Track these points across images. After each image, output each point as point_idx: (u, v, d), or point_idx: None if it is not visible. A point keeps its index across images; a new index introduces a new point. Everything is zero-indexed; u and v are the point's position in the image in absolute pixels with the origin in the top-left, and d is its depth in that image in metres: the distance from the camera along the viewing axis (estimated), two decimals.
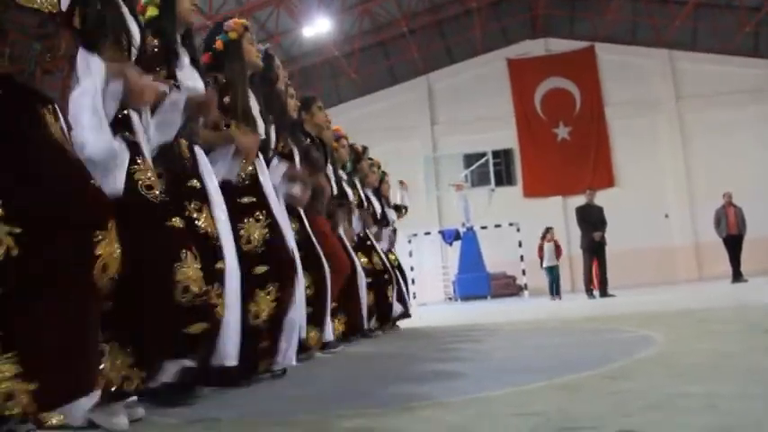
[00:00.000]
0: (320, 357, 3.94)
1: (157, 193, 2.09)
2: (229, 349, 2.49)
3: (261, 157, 3.23)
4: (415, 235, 17.13)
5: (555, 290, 12.60)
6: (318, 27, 16.65)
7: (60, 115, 1.66)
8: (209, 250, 2.36)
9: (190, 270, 2.03)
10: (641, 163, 19.69)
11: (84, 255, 1.50)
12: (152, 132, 2.31)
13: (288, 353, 2.98)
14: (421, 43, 19.22)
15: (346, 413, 1.92)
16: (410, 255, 16.69)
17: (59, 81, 1.67)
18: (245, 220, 2.91)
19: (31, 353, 1.41)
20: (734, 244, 12.18)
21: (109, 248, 1.53)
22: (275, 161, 3.59)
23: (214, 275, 2.33)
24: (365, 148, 6.38)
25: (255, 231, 2.92)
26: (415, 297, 13.78)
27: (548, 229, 13.20)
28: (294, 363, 3.07)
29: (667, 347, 2.96)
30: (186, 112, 2.45)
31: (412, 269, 16.61)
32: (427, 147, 20.25)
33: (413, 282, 15.72)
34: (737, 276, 12.11)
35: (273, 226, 3.00)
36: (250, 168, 3.06)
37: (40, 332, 1.43)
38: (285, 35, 16.84)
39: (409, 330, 6.29)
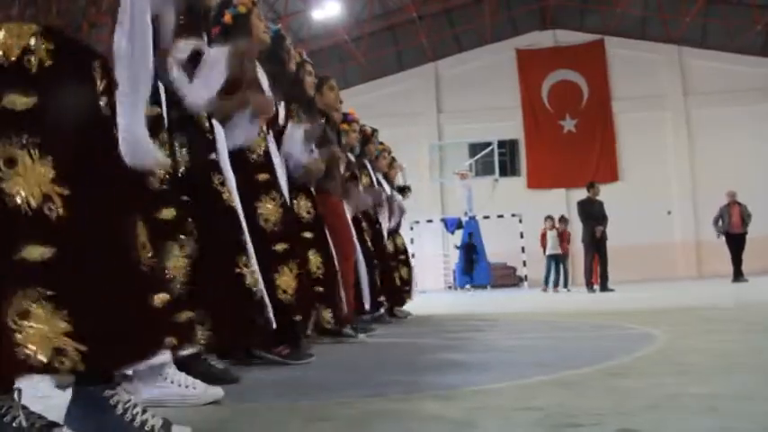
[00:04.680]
0: (323, 343, 3.95)
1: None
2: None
3: (271, 134, 3.25)
4: (417, 222, 17.12)
5: (555, 281, 12.45)
6: (328, 10, 16.58)
7: (107, 72, 1.64)
8: (234, 223, 2.42)
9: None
10: (646, 158, 19.64)
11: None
12: (194, 94, 2.30)
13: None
14: (430, 30, 19.13)
15: (347, 401, 1.93)
16: (412, 242, 16.69)
17: (106, 35, 1.66)
18: (262, 198, 2.96)
19: (82, 314, 1.36)
20: (736, 242, 12.15)
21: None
22: (290, 128, 3.59)
23: (240, 248, 2.39)
24: (374, 131, 6.24)
25: (272, 211, 2.98)
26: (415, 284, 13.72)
27: (548, 218, 13.02)
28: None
29: (668, 345, 2.97)
30: (228, 70, 2.46)
31: (413, 256, 16.61)
32: (432, 134, 20.20)
33: None
34: (738, 275, 12.08)
35: (285, 205, 3.09)
36: (263, 144, 3.11)
37: (91, 294, 1.40)
38: (294, 17, 16.76)
39: (411, 318, 6.29)
